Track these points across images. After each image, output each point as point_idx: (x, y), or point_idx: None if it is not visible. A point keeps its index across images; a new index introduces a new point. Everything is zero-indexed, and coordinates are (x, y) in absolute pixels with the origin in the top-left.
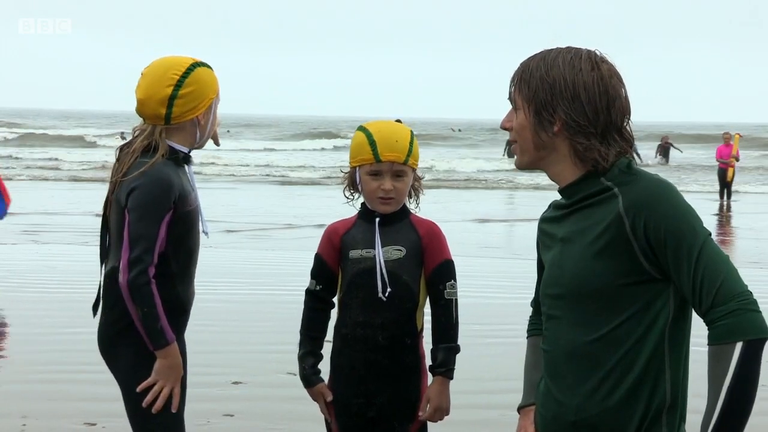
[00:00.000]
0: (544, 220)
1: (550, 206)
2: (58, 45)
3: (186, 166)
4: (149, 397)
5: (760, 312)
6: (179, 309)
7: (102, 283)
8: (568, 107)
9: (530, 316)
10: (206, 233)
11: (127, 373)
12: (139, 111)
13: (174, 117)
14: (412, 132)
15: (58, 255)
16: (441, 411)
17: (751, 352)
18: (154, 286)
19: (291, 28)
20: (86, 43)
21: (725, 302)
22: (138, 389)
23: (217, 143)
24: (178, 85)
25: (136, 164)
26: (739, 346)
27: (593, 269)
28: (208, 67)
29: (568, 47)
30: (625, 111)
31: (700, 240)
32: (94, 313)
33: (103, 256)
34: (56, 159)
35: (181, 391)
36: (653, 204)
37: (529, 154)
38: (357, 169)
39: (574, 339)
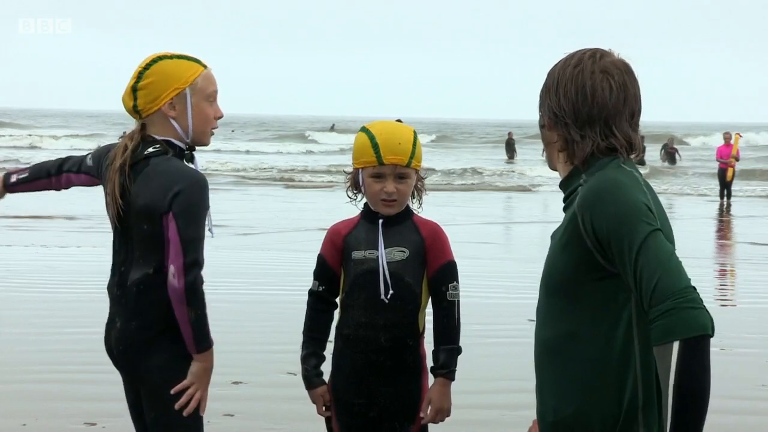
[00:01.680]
0: None
1: None
2: (58, 45)
3: (191, 164)
4: (183, 400)
5: (698, 308)
6: None
7: (130, 289)
8: (551, 101)
9: None
10: (211, 231)
11: (161, 377)
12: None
13: (140, 108)
14: (415, 133)
15: (58, 255)
16: (442, 412)
17: (689, 351)
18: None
19: (292, 28)
20: (86, 43)
21: (661, 301)
22: (172, 391)
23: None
24: (139, 77)
25: (144, 165)
26: (676, 345)
27: (557, 265)
28: (186, 59)
29: (581, 50)
30: (610, 106)
31: (639, 239)
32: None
33: (121, 263)
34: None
35: None
36: (596, 203)
37: (545, 152)
38: (360, 170)
39: (546, 335)
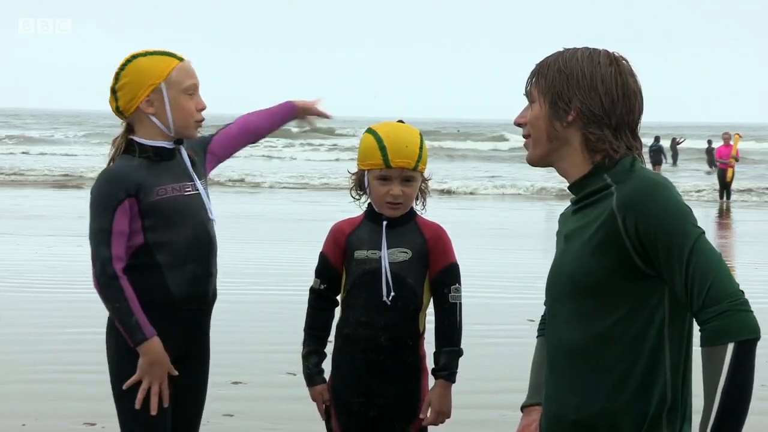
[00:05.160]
0: (561, 217)
1: (570, 202)
2: (58, 45)
3: (177, 159)
4: (140, 396)
5: (751, 312)
6: (167, 304)
7: None
8: (585, 97)
9: (542, 315)
10: (212, 219)
11: (111, 365)
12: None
13: (122, 109)
14: (421, 136)
15: (58, 255)
16: (442, 414)
17: (743, 353)
18: (124, 281)
19: (295, 27)
20: (86, 43)
21: (716, 303)
22: (124, 387)
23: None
24: (116, 77)
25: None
26: (730, 347)
27: (588, 266)
28: (161, 54)
29: (585, 47)
30: (640, 109)
31: (690, 240)
32: None
33: None
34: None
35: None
36: (644, 203)
37: (541, 146)
38: (366, 171)
39: (572, 337)
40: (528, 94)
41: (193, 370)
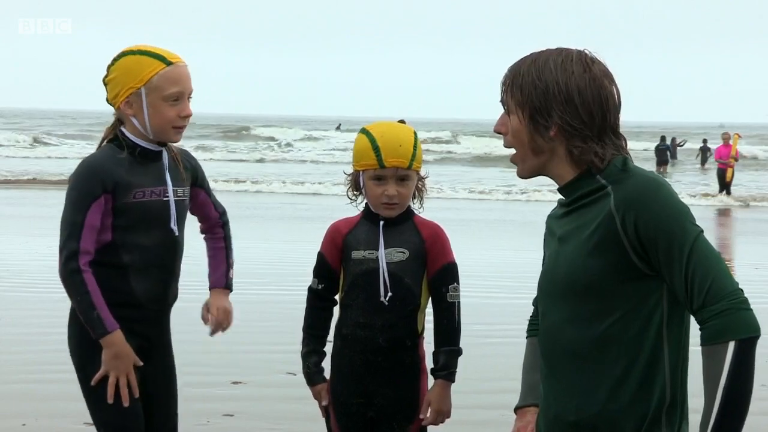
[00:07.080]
0: (549, 218)
1: (557, 204)
2: (58, 45)
3: (161, 161)
4: (110, 390)
5: (750, 310)
6: (131, 304)
7: None
8: (563, 111)
9: (531, 316)
10: (173, 229)
11: (74, 358)
12: None
13: (110, 101)
14: (415, 134)
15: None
16: (442, 414)
17: (743, 351)
18: (88, 275)
19: (297, 26)
20: (86, 43)
21: (716, 302)
22: (92, 382)
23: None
24: (107, 70)
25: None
26: (731, 345)
27: (585, 267)
28: (149, 55)
29: (558, 48)
30: (618, 109)
31: (690, 239)
32: None
33: None
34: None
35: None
36: (643, 202)
37: (529, 160)
38: (361, 172)
39: (569, 338)
40: (504, 103)
41: (157, 361)
